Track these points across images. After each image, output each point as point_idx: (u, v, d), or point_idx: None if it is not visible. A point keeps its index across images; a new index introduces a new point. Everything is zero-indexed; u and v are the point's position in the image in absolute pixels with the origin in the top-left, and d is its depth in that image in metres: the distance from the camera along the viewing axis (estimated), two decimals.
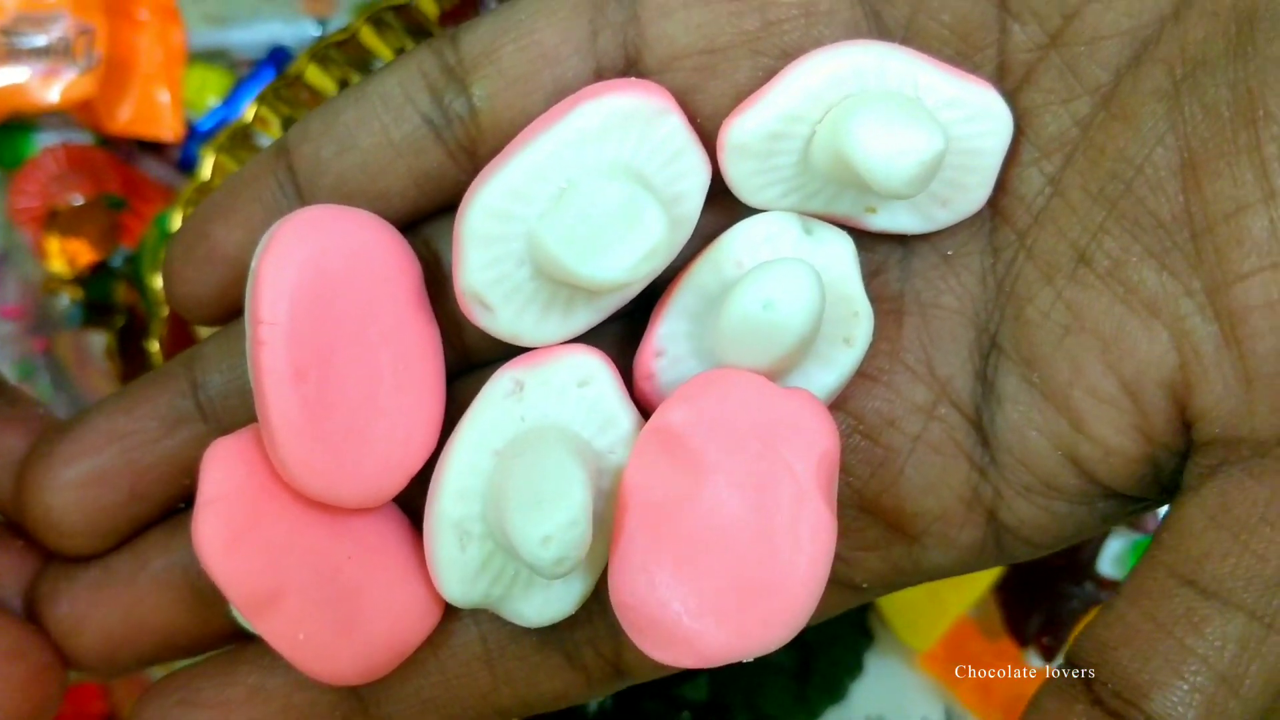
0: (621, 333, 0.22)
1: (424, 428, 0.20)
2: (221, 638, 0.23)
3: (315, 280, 0.19)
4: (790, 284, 0.19)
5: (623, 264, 0.19)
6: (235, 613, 0.21)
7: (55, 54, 0.40)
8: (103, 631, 0.22)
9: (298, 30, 0.42)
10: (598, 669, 0.22)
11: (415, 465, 0.20)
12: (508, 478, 0.19)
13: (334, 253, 0.19)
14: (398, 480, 0.20)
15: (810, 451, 0.19)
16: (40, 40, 0.40)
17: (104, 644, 0.22)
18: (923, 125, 0.18)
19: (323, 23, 0.42)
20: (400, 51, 0.39)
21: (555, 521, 0.18)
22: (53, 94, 0.40)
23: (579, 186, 0.19)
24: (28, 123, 0.42)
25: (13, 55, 0.40)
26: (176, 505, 0.23)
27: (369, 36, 0.38)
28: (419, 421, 0.20)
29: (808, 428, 0.19)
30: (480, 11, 0.38)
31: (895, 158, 0.18)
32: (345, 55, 0.38)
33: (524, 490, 0.18)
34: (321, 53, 0.38)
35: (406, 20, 0.38)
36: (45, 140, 0.42)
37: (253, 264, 0.19)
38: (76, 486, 0.22)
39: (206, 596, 0.22)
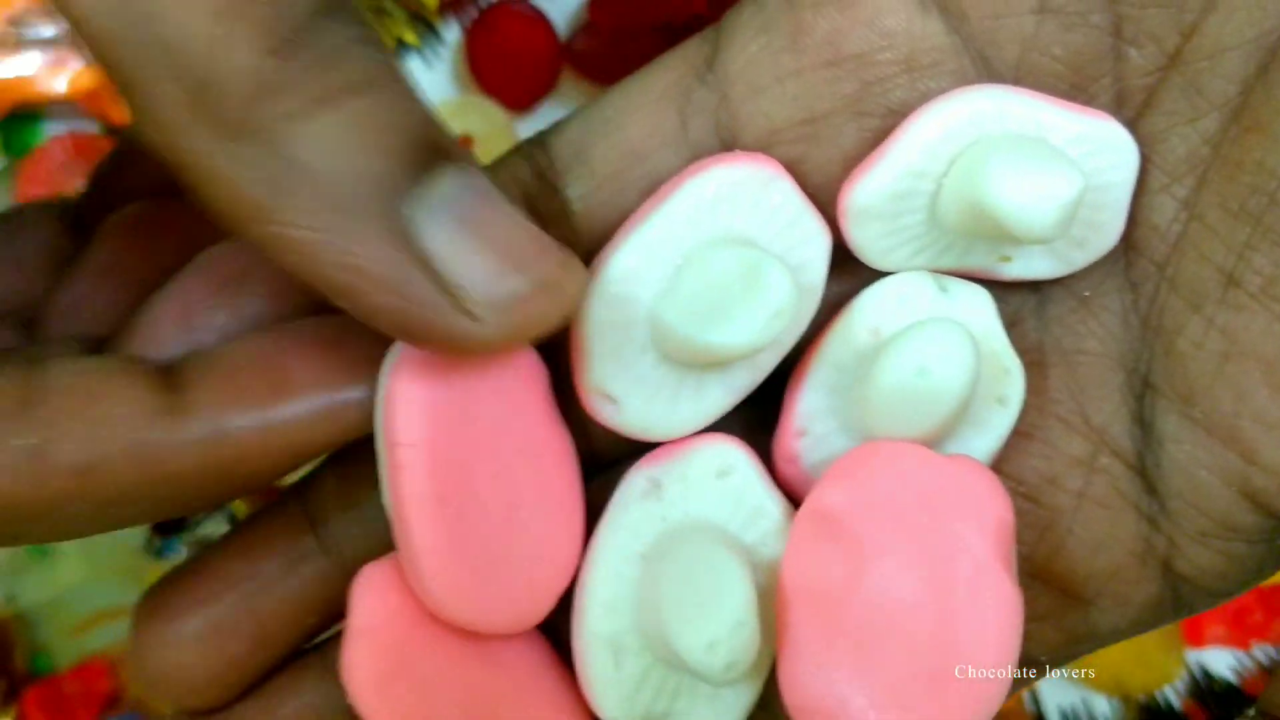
0: (749, 420, 0.21)
1: (568, 544, 0.19)
2: None
3: (449, 395, 0.18)
4: (943, 347, 0.18)
5: (750, 326, 0.18)
6: None
7: (62, 44, 0.40)
8: None
9: None
10: None
11: (562, 584, 0.19)
12: (660, 583, 0.18)
13: (463, 364, 0.18)
14: (546, 602, 0.19)
15: (984, 520, 0.18)
16: (48, 30, 0.40)
17: None
18: (1061, 166, 0.18)
19: None
20: (400, 42, 0.40)
21: (721, 624, 0.16)
22: (60, 84, 0.40)
23: (694, 259, 0.18)
24: (35, 112, 0.41)
25: (21, 45, 0.40)
26: (301, 647, 0.22)
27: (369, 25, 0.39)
28: (562, 537, 0.19)
29: (978, 495, 0.18)
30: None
31: (1038, 202, 0.17)
32: None
33: (681, 594, 0.17)
34: None
35: (406, 8, 0.39)
36: (53, 130, 0.42)
37: (381, 381, 0.18)
38: (197, 639, 0.21)
39: None
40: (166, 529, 0.42)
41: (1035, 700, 0.40)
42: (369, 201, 0.15)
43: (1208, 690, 0.38)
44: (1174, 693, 0.39)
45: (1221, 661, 0.39)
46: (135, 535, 0.39)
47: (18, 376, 0.17)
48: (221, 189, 0.15)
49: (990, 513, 0.18)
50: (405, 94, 0.16)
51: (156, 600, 0.21)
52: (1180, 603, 0.20)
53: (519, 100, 0.42)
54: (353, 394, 0.18)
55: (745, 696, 0.19)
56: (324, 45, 0.15)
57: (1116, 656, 0.40)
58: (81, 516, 0.18)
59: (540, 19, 0.42)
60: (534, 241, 0.16)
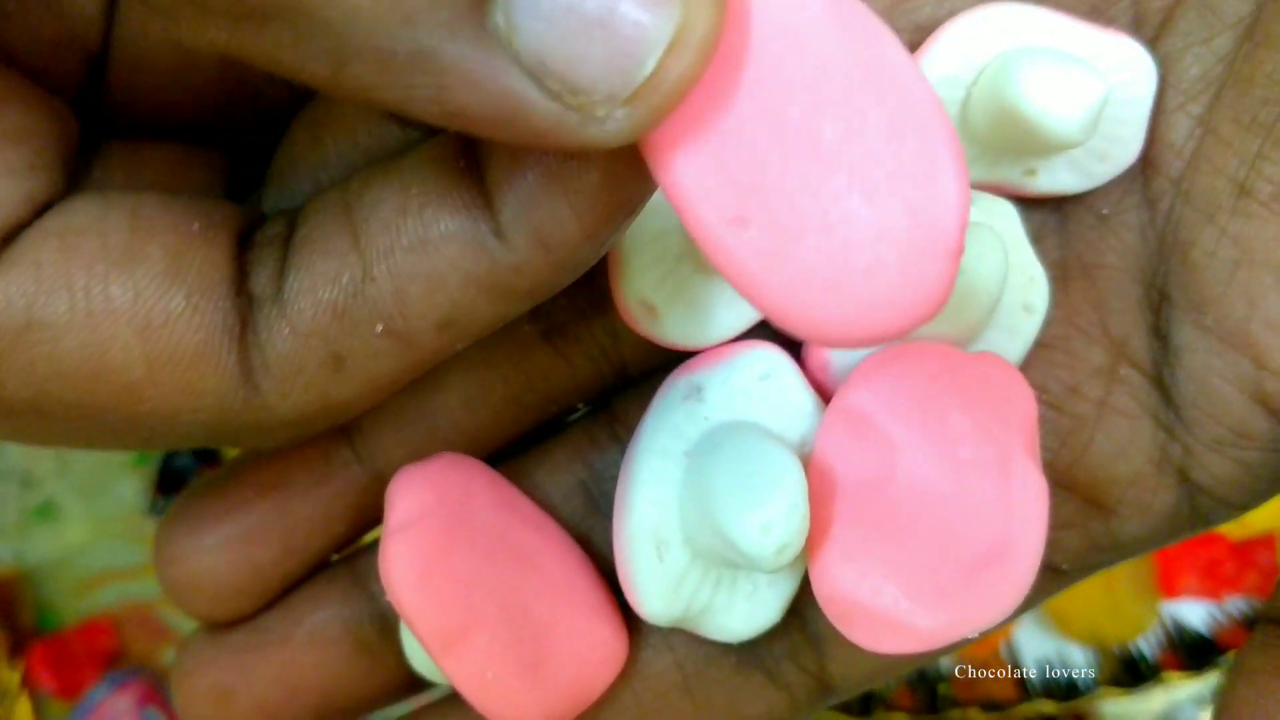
0: (776, 333, 0.21)
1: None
2: (385, 693, 0.22)
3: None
4: (977, 247, 0.18)
5: None
6: (411, 658, 0.20)
7: None
8: (257, 699, 0.21)
9: None
10: (801, 686, 0.21)
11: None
12: (708, 473, 0.18)
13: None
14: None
15: (1010, 413, 0.18)
16: None
17: (260, 713, 0.21)
18: (1086, 70, 0.18)
19: None
20: None
21: (775, 506, 0.17)
22: None
23: None
24: None
25: None
26: (329, 558, 0.22)
27: None
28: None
29: (1003, 389, 0.18)
30: None
31: (1067, 101, 0.18)
32: None
33: (733, 481, 0.17)
34: None
35: None
36: None
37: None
38: (226, 546, 0.21)
39: (370, 648, 0.21)
40: (169, 488, 0.41)
41: (1011, 650, 0.41)
42: (449, 25, 0.13)
43: (1180, 641, 0.39)
44: (1147, 643, 0.40)
45: (1194, 613, 0.40)
46: (139, 496, 0.39)
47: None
48: (272, 66, 0.13)
49: (1016, 405, 0.18)
50: None
51: (184, 509, 0.21)
52: (1198, 513, 0.20)
53: None
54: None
55: (782, 593, 0.19)
56: None
57: (1091, 606, 0.40)
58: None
59: None
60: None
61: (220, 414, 0.16)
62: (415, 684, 0.21)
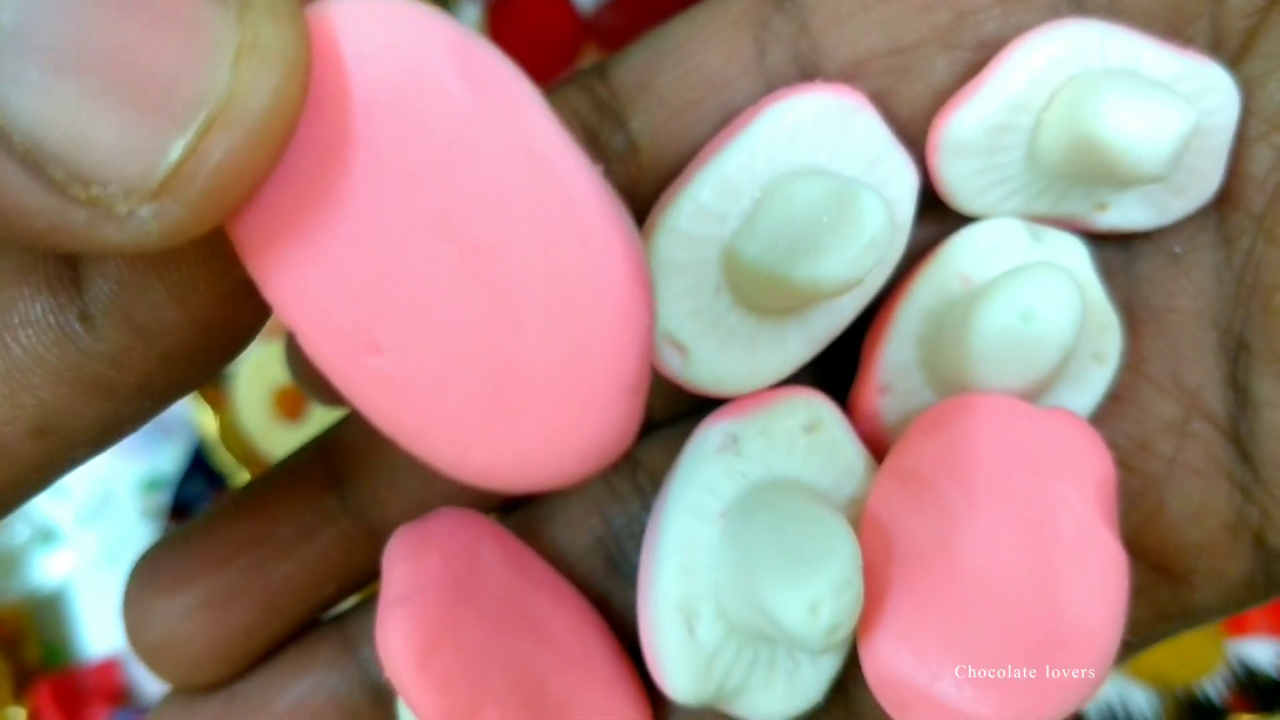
0: (813, 378, 0.19)
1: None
2: None
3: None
4: (1051, 291, 0.16)
5: (844, 257, 0.16)
6: None
7: None
8: None
9: None
10: None
11: None
12: (751, 540, 0.16)
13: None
14: None
15: (1086, 476, 0.16)
16: None
17: None
18: (1172, 99, 0.16)
19: None
20: None
21: (826, 582, 0.15)
22: None
23: (775, 191, 0.17)
24: None
25: None
26: (315, 618, 0.20)
27: None
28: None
29: (1079, 451, 0.16)
30: None
31: (1152, 134, 0.16)
32: None
33: (778, 551, 0.15)
34: None
35: None
36: None
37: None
38: (202, 609, 0.19)
39: None
40: (182, 517, 0.40)
41: None
42: None
43: (1248, 682, 0.37)
44: (1214, 685, 0.38)
45: (1263, 653, 0.38)
46: (152, 527, 0.38)
47: None
48: None
49: (1093, 468, 0.16)
50: None
51: (154, 565, 0.19)
52: (1274, 581, 0.19)
53: (540, 77, 0.42)
54: None
55: (828, 669, 0.17)
56: None
57: (1154, 647, 0.39)
58: None
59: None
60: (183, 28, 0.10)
61: None
62: None
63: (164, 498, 0.38)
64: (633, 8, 0.41)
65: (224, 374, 0.39)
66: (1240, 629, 0.39)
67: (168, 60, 0.09)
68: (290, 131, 0.10)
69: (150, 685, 0.37)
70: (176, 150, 0.10)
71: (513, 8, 0.41)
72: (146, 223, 0.10)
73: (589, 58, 0.42)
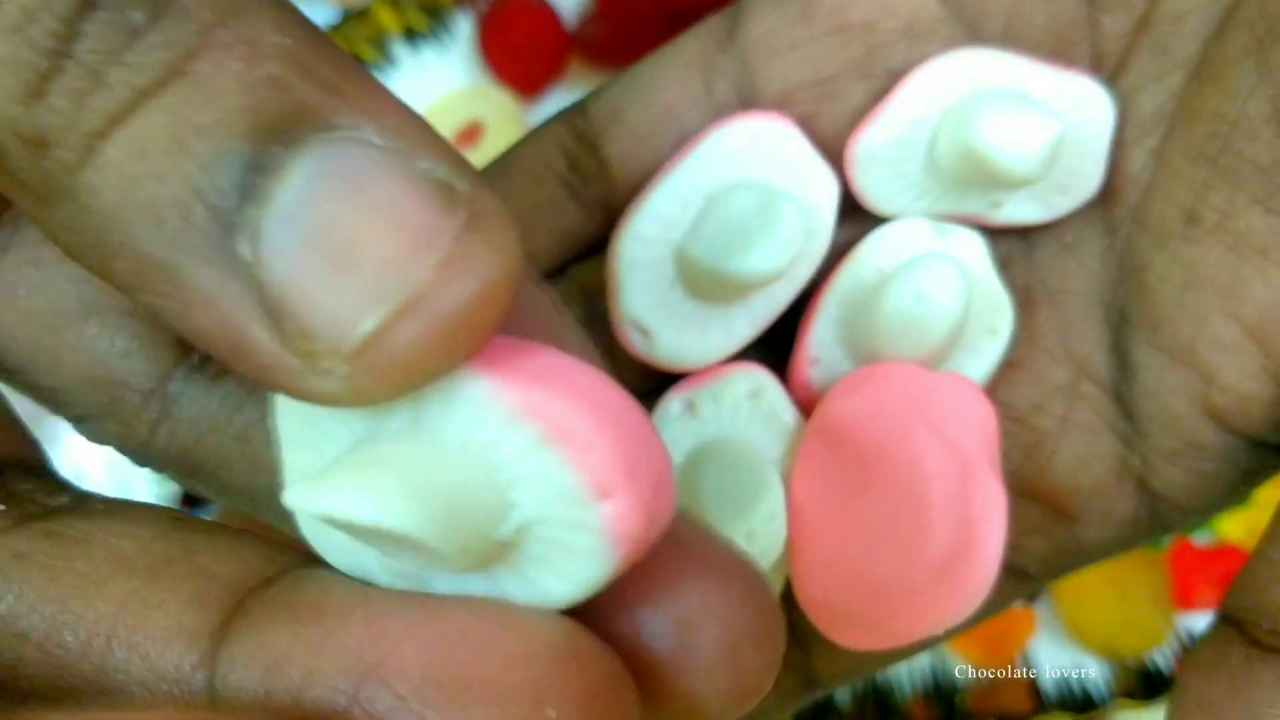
0: (762, 357, 0.23)
1: None
2: None
3: None
4: (938, 276, 0.20)
5: (766, 254, 0.20)
6: None
7: None
8: None
9: (314, 15, 0.46)
10: (788, 682, 0.22)
11: None
12: (701, 485, 0.20)
13: None
14: None
15: (972, 426, 0.20)
16: None
17: None
18: (1040, 112, 0.20)
19: (347, 10, 0.46)
20: (409, 30, 0.46)
21: (757, 516, 0.18)
22: None
23: (715, 201, 0.20)
24: None
25: None
26: None
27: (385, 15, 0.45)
28: None
29: (967, 405, 0.20)
30: None
31: (1020, 143, 0.19)
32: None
33: (721, 493, 0.19)
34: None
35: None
36: None
37: None
38: None
39: None
40: (196, 505, 0.43)
41: (1027, 661, 0.42)
42: (191, 233, 0.12)
43: None
44: (1163, 655, 0.41)
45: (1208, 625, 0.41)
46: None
47: None
48: (63, 249, 0.12)
49: (977, 420, 0.20)
50: (232, 59, 0.11)
51: None
52: (1158, 520, 0.22)
53: (529, 87, 0.46)
54: None
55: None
56: (93, 49, 0.11)
57: (1107, 618, 0.41)
58: None
59: (548, 11, 0.46)
60: (418, 229, 0.11)
61: None
62: None
63: (178, 485, 0.41)
64: (615, 21, 0.45)
65: None
66: (1188, 603, 0.42)
67: (386, 251, 0.11)
68: (478, 337, 0.12)
69: None
70: (369, 324, 0.11)
71: (502, 21, 0.45)
72: (340, 379, 0.12)
73: (574, 67, 0.46)
